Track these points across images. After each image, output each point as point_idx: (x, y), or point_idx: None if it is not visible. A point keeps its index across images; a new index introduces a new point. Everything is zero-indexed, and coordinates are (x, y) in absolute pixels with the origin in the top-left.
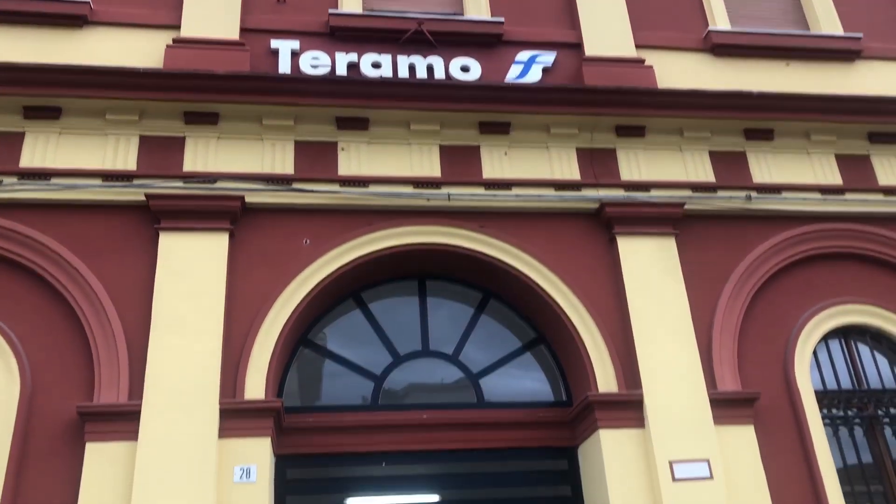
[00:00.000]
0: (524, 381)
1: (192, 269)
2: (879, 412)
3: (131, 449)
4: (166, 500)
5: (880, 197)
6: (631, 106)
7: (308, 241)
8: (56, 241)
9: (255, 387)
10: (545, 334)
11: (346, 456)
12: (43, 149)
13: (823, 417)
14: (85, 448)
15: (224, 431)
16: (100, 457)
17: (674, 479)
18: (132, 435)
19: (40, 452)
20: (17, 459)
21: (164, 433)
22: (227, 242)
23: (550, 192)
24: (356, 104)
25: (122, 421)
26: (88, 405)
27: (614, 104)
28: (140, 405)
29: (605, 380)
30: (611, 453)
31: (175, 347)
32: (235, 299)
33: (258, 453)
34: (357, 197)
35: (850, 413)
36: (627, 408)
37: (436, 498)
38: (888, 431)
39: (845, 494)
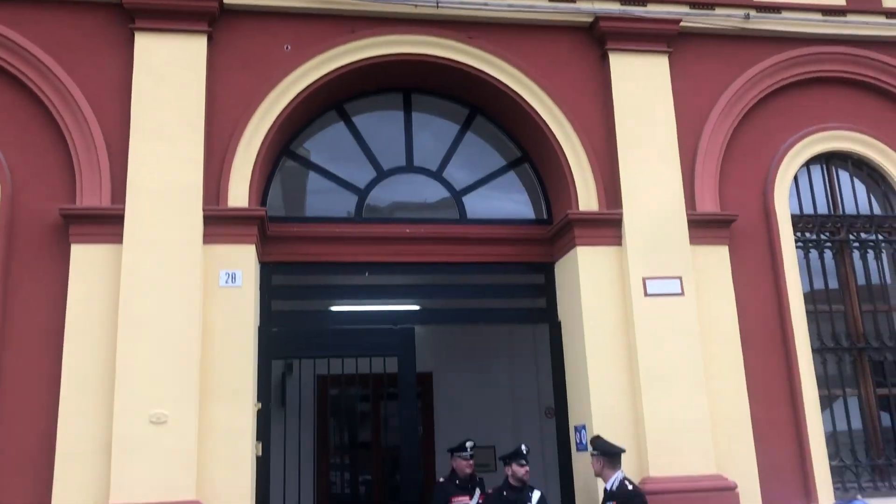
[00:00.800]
0: (507, 200)
1: (170, 72)
2: (850, 237)
3: (117, 251)
4: (154, 301)
5: (882, 20)
6: None
7: (289, 48)
8: (26, 39)
9: (239, 194)
10: (530, 153)
11: (330, 265)
12: None
13: (797, 240)
14: (70, 249)
15: (208, 237)
16: (85, 258)
17: (646, 294)
18: (117, 238)
19: (27, 253)
20: (3, 259)
21: (149, 237)
22: (205, 46)
23: (544, 2)
24: None
25: (106, 224)
26: (71, 207)
27: None
28: (123, 209)
29: (587, 198)
30: (586, 269)
31: (156, 153)
32: (216, 106)
33: (243, 259)
34: (340, 0)
35: (822, 237)
36: (606, 226)
37: (416, 307)
38: (856, 255)
39: (808, 313)
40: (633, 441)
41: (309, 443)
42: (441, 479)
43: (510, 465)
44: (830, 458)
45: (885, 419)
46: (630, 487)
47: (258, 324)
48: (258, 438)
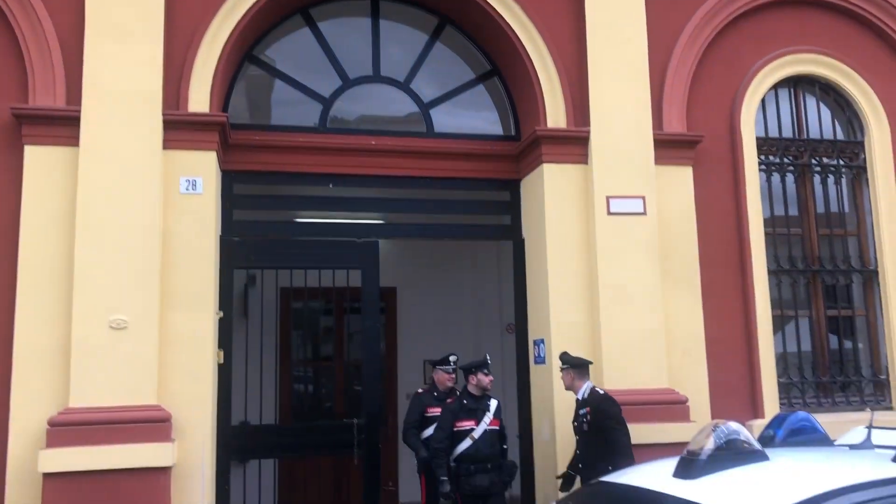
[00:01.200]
0: (475, 115)
1: None
2: (813, 161)
3: (73, 154)
4: (112, 206)
5: None
6: None
7: None
8: None
9: (199, 99)
10: (500, 66)
11: (294, 175)
12: None
13: (760, 163)
14: (24, 151)
15: (168, 143)
16: (40, 160)
17: (609, 212)
18: (73, 140)
19: None
20: None
21: (106, 140)
22: None
23: None
24: None
25: (61, 126)
26: (23, 107)
27: None
28: (79, 111)
29: (555, 115)
30: (552, 186)
31: (113, 54)
32: (175, 5)
33: (204, 166)
34: None
35: (785, 160)
36: (573, 143)
37: (380, 221)
38: (816, 179)
39: (767, 235)
40: (590, 355)
41: (271, 354)
42: (420, 390)
43: (476, 374)
44: (779, 375)
45: (834, 342)
46: (601, 392)
47: (219, 233)
48: (220, 347)
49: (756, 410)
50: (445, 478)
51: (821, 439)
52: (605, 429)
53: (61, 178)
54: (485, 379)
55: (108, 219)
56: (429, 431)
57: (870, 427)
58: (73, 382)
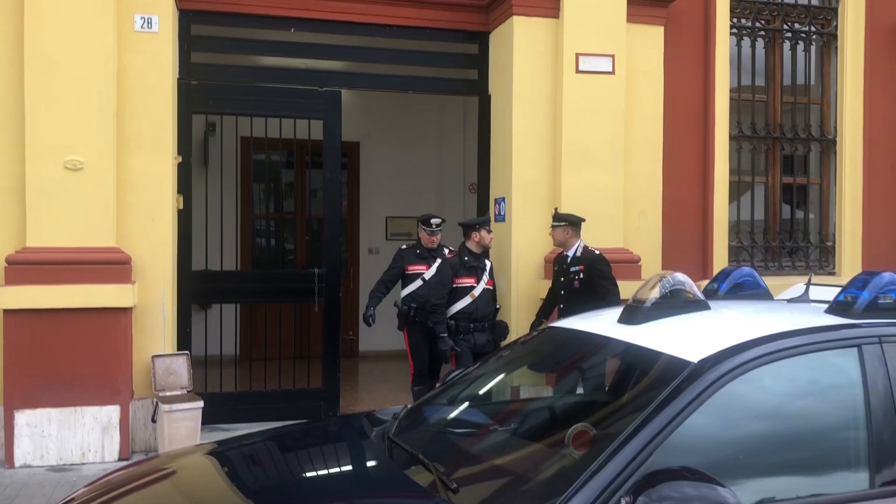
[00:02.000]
0: None
1: None
2: (784, 27)
3: None
4: (62, 40)
5: None
6: None
7: None
8: None
9: None
10: None
11: (254, 18)
12: None
13: (732, 27)
14: None
15: None
16: None
17: (577, 70)
18: None
19: None
20: None
21: None
22: None
23: None
24: None
25: None
26: None
27: None
28: None
29: None
30: (521, 40)
31: None
32: None
33: (159, 3)
34: None
35: (757, 25)
36: None
37: (344, 70)
38: (786, 46)
39: (732, 101)
40: (549, 214)
41: (232, 204)
42: (404, 246)
43: (479, 231)
44: (730, 240)
45: (787, 210)
46: (596, 252)
47: (177, 75)
48: (179, 192)
49: (706, 271)
50: (445, 335)
51: (762, 294)
52: (598, 287)
53: (7, 5)
54: (487, 237)
55: (58, 53)
56: (409, 289)
57: (808, 284)
58: (30, 222)
